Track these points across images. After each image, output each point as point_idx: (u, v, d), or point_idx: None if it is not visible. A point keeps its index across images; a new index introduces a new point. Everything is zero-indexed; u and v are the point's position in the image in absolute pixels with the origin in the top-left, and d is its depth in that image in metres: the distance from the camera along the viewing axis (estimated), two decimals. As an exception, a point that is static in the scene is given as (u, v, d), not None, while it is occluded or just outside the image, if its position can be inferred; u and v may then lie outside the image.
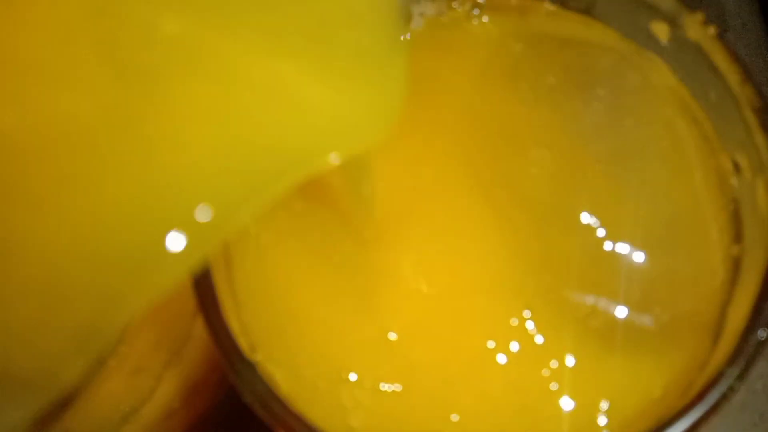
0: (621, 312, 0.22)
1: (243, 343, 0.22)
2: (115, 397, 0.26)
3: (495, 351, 0.23)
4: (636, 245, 0.22)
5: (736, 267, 0.23)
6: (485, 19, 0.27)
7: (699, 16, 0.23)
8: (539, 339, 0.23)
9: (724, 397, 0.19)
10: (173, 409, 0.30)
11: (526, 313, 0.23)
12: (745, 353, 0.19)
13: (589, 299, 0.23)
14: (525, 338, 0.23)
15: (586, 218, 0.23)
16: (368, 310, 0.24)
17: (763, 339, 0.19)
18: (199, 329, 0.29)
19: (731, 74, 0.22)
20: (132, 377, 0.26)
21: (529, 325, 0.23)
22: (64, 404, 0.24)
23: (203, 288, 0.22)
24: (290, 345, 0.24)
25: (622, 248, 0.23)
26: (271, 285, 0.25)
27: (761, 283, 0.20)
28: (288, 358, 0.23)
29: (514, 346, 0.23)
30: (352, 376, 0.23)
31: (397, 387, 0.23)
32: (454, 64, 0.26)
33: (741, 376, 0.19)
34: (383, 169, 0.25)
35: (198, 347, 0.29)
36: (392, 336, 0.23)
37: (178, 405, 0.30)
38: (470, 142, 0.25)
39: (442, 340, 0.23)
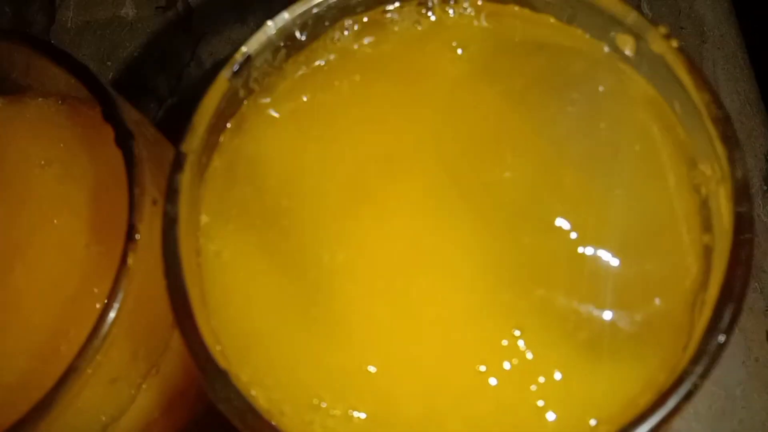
0: (602, 318, 0.23)
1: (216, 352, 0.22)
2: (93, 407, 0.26)
3: (486, 374, 0.22)
4: (611, 249, 0.23)
5: (706, 271, 0.23)
6: (461, 23, 0.27)
7: (662, 30, 0.24)
8: (529, 356, 0.23)
9: (687, 398, 0.19)
10: (152, 420, 0.30)
11: (516, 332, 0.23)
12: (706, 356, 0.19)
13: (573, 308, 0.23)
14: (516, 357, 0.23)
15: (561, 223, 0.23)
16: (343, 338, 0.24)
17: (722, 343, 0.20)
18: (176, 340, 0.29)
19: (691, 85, 0.23)
20: (109, 387, 0.26)
21: (519, 342, 0.23)
22: (41, 412, 0.24)
23: (177, 294, 0.22)
24: (257, 364, 0.24)
25: (598, 252, 0.23)
26: (233, 303, 0.25)
27: (719, 290, 0.20)
28: (256, 377, 0.23)
29: (504, 367, 0.23)
30: (323, 404, 0.23)
31: (374, 418, 0.22)
32: (430, 68, 0.27)
33: (703, 376, 0.19)
34: (360, 176, 0.26)
35: (176, 358, 0.29)
36: (371, 369, 0.23)
37: (158, 415, 0.30)
38: (446, 147, 0.25)
39: (428, 370, 0.23)
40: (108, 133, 0.32)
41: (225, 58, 0.26)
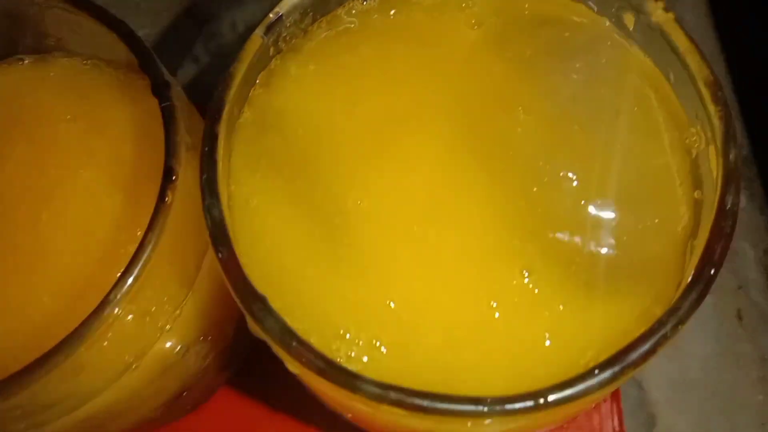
0: (603, 260, 0.25)
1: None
2: (124, 340, 0.27)
3: (497, 309, 0.25)
4: (612, 198, 0.25)
5: (696, 222, 0.26)
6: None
7: (660, 3, 0.26)
8: (535, 293, 0.25)
9: (680, 323, 0.21)
10: (168, 365, 0.31)
11: (525, 273, 0.25)
12: (699, 285, 0.22)
13: (577, 250, 0.25)
14: (524, 294, 0.25)
15: (566, 174, 0.25)
16: (365, 277, 0.26)
17: (712, 275, 0.22)
18: (200, 284, 0.30)
19: (688, 53, 0.25)
20: (138, 323, 0.27)
21: (527, 282, 0.25)
22: (74, 341, 0.25)
23: (217, 227, 0.24)
24: (285, 300, 0.25)
25: (600, 201, 0.25)
26: (262, 245, 0.27)
27: (711, 227, 0.22)
28: (285, 311, 0.25)
29: (513, 303, 0.25)
30: (348, 335, 0.25)
31: (396, 347, 0.24)
32: (446, 35, 0.29)
33: (695, 304, 0.21)
34: (383, 130, 0.28)
35: (197, 304, 0.31)
36: (392, 304, 0.25)
37: (173, 361, 0.32)
38: (462, 105, 0.27)
39: (444, 306, 0.25)
40: (129, 91, 0.33)
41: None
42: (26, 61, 0.36)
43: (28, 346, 0.27)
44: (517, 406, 0.20)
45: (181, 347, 0.31)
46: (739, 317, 0.46)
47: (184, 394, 0.35)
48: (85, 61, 0.35)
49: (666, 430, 0.43)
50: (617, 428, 0.41)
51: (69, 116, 0.34)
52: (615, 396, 0.41)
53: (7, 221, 0.31)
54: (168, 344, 0.30)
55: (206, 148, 0.25)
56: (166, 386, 0.33)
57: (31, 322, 0.29)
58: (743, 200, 0.49)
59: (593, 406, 0.39)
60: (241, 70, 0.27)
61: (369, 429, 0.31)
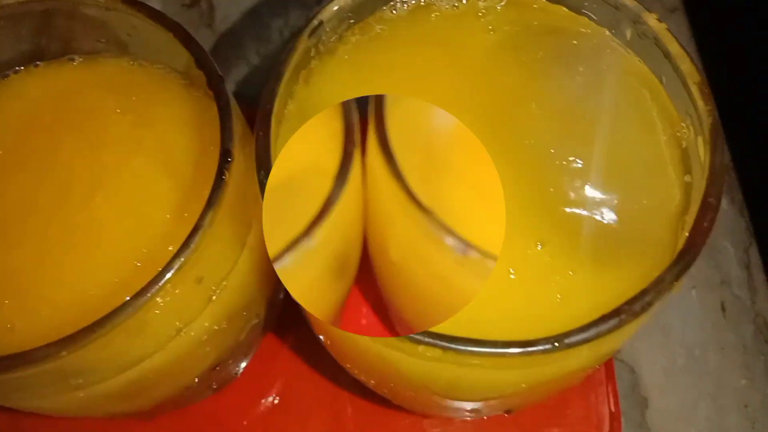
0: (607, 233, 0.29)
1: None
2: (177, 305, 0.30)
3: (514, 276, 0.28)
4: (614, 181, 0.29)
5: (687, 202, 0.29)
6: (489, 7, 0.34)
7: (655, 15, 0.31)
8: (548, 261, 0.29)
9: (678, 276, 0.25)
10: (211, 333, 0.34)
11: (539, 245, 0.29)
12: (696, 244, 0.26)
13: (584, 225, 0.29)
14: (538, 263, 0.29)
15: (575, 159, 0.29)
16: None
17: (700, 243, 0.26)
18: (243, 262, 0.34)
19: (679, 57, 0.29)
20: (192, 288, 0.30)
21: (541, 252, 0.29)
22: (141, 297, 0.28)
23: (274, 199, 0.27)
24: None
25: (605, 184, 0.29)
26: None
27: (701, 202, 0.26)
28: None
29: (529, 270, 0.28)
30: None
31: None
32: (465, 40, 0.33)
33: (690, 261, 0.25)
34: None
35: (238, 279, 0.34)
36: None
37: (218, 328, 0.35)
38: (481, 100, 0.31)
39: None
40: (174, 89, 0.37)
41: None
42: (77, 61, 0.39)
43: (84, 316, 0.30)
44: (539, 347, 0.24)
45: (222, 318, 0.34)
46: (723, 309, 0.50)
47: (217, 368, 0.38)
48: (131, 62, 0.39)
49: (657, 411, 0.46)
50: (613, 409, 0.44)
51: (118, 110, 0.37)
52: (611, 380, 0.45)
53: (63, 203, 0.34)
54: (213, 313, 0.34)
55: (260, 133, 0.29)
56: (204, 356, 0.36)
57: (87, 294, 0.32)
58: (725, 204, 0.53)
59: (589, 374, 0.43)
60: (288, 69, 0.31)
61: (390, 394, 0.34)
